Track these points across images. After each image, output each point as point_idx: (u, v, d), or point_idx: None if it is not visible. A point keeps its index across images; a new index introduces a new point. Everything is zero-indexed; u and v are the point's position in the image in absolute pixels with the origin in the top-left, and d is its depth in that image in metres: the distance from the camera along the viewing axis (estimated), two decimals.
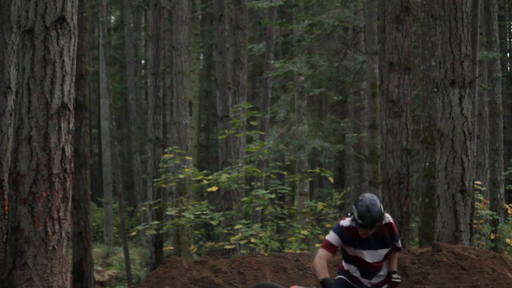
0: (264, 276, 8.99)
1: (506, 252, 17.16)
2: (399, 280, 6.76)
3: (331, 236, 6.63)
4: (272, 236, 16.78)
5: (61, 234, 7.68)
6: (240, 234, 15.02)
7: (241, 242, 15.69)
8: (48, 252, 7.59)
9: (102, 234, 32.46)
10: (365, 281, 6.77)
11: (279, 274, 9.02)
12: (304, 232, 15.44)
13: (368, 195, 6.45)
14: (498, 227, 17.97)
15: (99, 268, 26.16)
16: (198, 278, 8.93)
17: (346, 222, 6.61)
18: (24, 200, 7.55)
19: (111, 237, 31.21)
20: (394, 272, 6.78)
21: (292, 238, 15.78)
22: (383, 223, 6.53)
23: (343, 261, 6.92)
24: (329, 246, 6.63)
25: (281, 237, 19.33)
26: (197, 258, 12.89)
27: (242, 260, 9.32)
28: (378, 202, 6.36)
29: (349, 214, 6.55)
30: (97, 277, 23.76)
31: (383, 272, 6.81)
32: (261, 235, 15.64)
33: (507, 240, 18.29)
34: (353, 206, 6.37)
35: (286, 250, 15.68)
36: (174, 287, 8.78)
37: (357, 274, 6.79)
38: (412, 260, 8.94)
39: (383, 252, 6.68)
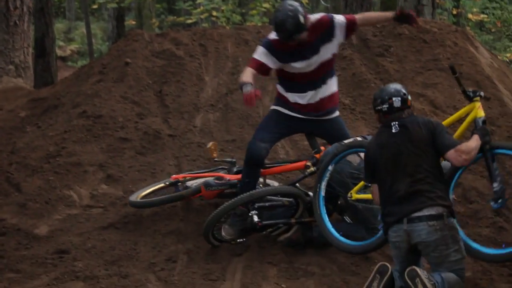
0: (225, 48, 8.94)
1: (468, 27, 17.27)
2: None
3: (257, 51, 5.96)
4: (234, 9, 16.47)
5: (22, 9, 7.42)
6: (201, 8, 14.81)
7: (203, 16, 15.51)
8: (9, 28, 7.39)
9: (64, 9, 31.90)
10: (304, 99, 6.05)
11: (240, 46, 8.98)
12: (266, 5, 15.20)
13: (288, 2, 5.75)
14: (461, 2, 17.89)
15: (61, 43, 25.93)
16: (159, 51, 8.87)
17: (273, 34, 5.91)
18: None
19: (73, 12, 30.68)
20: None
21: (254, 12, 15.55)
22: (311, 24, 5.82)
23: (278, 85, 6.25)
24: (254, 62, 5.94)
25: (243, 11, 19.04)
26: (158, 31, 12.72)
27: (204, 32, 9.23)
28: (297, 11, 5.67)
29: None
30: (59, 52, 23.56)
31: (328, 89, 6.08)
32: (223, 8, 15.42)
33: (469, 16, 18.33)
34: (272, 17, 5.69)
35: (248, 24, 15.53)
36: (135, 60, 8.73)
37: (294, 97, 6.07)
38: (374, 33, 8.90)
39: (317, 58, 5.92)
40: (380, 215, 5.25)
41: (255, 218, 5.93)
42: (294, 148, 7.45)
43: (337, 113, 6.29)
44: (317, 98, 6.07)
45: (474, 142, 5.20)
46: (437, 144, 5.16)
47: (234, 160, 6.69)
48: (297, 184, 6.27)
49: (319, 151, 6.19)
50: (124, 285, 5.57)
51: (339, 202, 6.11)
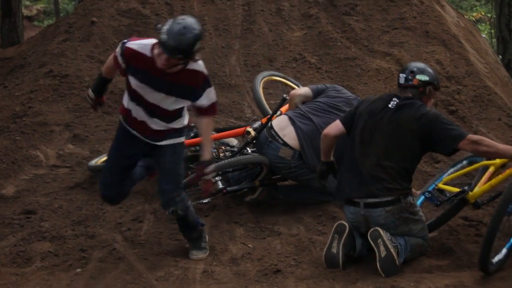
0: (191, 7, 8.87)
1: None
2: (207, 176, 5.15)
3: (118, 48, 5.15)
4: None
5: None
6: None
7: None
8: None
9: None
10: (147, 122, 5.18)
11: (206, 4, 8.91)
12: None
13: (190, 19, 4.89)
14: None
15: (27, 2, 25.50)
16: (125, 10, 8.78)
17: (141, 42, 5.06)
18: None
19: None
20: (205, 162, 5.10)
21: None
22: (193, 67, 5.01)
23: (125, 94, 5.28)
24: (114, 58, 5.17)
25: None
26: None
27: None
28: (198, 31, 4.81)
29: (158, 26, 4.94)
30: (25, 11, 23.19)
31: (173, 123, 5.23)
32: None
33: None
34: (168, 20, 4.96)
35: None
36: (101, 19, 8.64)
37: (140, 115, 5.16)
38: None
39: (175, 101, 5.09)
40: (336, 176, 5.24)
41: (220, 185, 5.93)
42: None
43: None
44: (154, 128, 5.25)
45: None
46: (438, 141, 4.91)
47: (192, 124, 6.58)
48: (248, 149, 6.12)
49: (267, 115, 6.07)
50: (91, 245, 5.58)
51: None
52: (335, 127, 5.21)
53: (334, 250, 4.99)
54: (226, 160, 5.87)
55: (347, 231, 5.00)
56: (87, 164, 6.58)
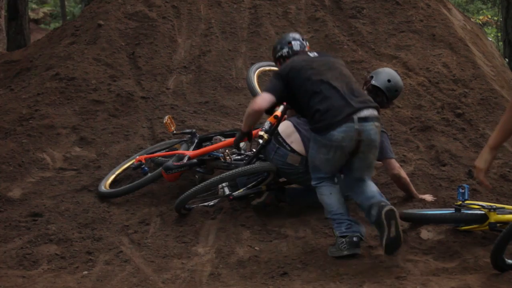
0: (198, 10, 8.88)
1: None
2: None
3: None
4: None
5: None
6: None
7: None
8: None
9: None
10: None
11: (213, 7, 8.92)
12: None
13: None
14: None
15: (34, 5, 25.58)
16: (132, 13, 8.79)
17: None
18: None
19: None
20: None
21: None
22: None
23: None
24: None
25: None
26: None
27: None
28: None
29: None
30: (31, 14, 23.29)
31: None
32: None
33: None
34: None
35: None
36: (108, 22, 8.65)
37: None
38: None
39: None
40: (313, 119, 5.30)
41: (227, 191, 5.93)
42: None
43: None
44: None
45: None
46: None
47: (194, 130, 6.63)
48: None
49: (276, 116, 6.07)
50: (97, 248, 5.59)
51: None
52: (268, 101, 5.39)
53: (393, 234, 5.00)
54: (235, 170, 5.87)
55: (397, 213, 5.07)
56: (98, 190, 6.50)
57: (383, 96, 6.05)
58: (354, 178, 5.35)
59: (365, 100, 5.31)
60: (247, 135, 5.70)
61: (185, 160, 6.24)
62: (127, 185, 6.42)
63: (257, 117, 5.50)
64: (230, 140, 6.31)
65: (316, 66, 5.43)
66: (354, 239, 5.21)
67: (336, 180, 5.42)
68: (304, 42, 5.90)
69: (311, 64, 5.45)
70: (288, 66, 5.53)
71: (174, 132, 6.59)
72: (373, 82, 6.07)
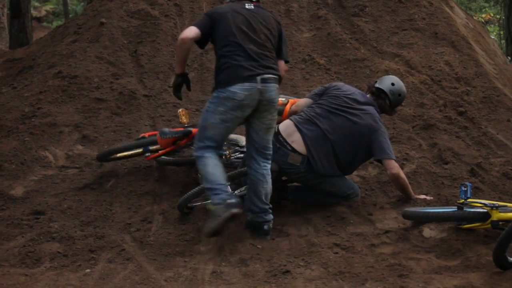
0: (200, 8, 8.88)
1: None
2: None
3: None
4: None
5: None
6: None
7: None
8: None
9: None
10: None
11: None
12: None
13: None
14: None
15: (36, 4, 25.59)
16: (134, 11, 8.79)
17: None
18: None
19: None
20: None
21: None
22: None
23: None
24: None
25: None
26: None
27: None
28: None
29: None
30: (34, 13, 23.28)
31: None
32: None
33: None
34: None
35: None
36: (110, 20, 8.65)
37: None
38: None
39: None
40: (219, 69, 5.48)
41: (230, 190, 5.92)
42: None
43: None
44: None
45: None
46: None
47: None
48: None
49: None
50: (99, 246, 5.59)
51: None
52: (193, 32, 5.50)
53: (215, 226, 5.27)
54: (237, 171, 5.91)
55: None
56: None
57: (386, 99, 6.06)
58: (253, 146, 5.56)
59: (270, 66, 5.49)
60: (182, 78, 5.71)
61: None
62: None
63: (184, 49, 5.55)
64: None
65: (240, 20, 5.52)
66: (231, 200, 5.29)
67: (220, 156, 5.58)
68: None
69: (237, 16, 5.54)
70: (217, 7, 5.89)
71: (186, 124, 6.63)
72: (376, 85, 6.10)
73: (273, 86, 5.47)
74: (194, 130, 6.39)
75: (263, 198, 5.57)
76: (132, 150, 6.62)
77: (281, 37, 5.75)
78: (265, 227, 5.59)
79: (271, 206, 5.62)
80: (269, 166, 5.60)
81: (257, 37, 5.52)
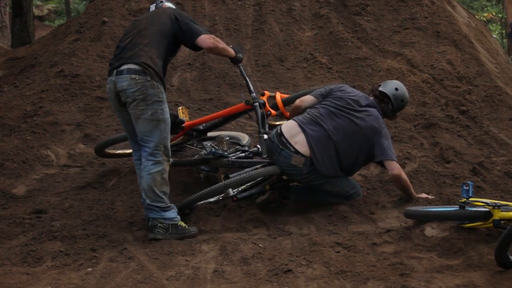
0: (202, 7, 8.88)
1: None
2: None
3: None
4: None
5: None
6: None
7: None
8: None
9: None
10: None
11: (217, 4, 8.92)
12: None
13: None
14: None
15: (38, 2, 25.59)
16: (136, 9, 8.80)
17: None
18: None
19: None
20: None
21: None
22: None
23: None
24: None
25: None
26: None
27: None
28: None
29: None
30: (36, 11, 23.29)
31: None
32: None
33: None
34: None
35: None
36: (112, 19, 8.66)
37: None
38: None
39: None
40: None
41: (231, 192, 5.91)
42: None
43: None
44: None
45: None
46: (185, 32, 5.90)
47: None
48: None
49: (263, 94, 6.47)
50: (101, 245, 5.60)
51: None
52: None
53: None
54: (239, 177, 5.88)
55: None
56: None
57: (389, 103, 6.06)
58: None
59: (133, 56, 5.67)
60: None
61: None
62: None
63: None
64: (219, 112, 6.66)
65: (137, 23, 5.96)
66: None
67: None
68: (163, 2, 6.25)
69: (136, 21, 6.06)
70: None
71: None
72: (380, 88, 6.10)
73: (127, 77, 5.62)
74: (186, 123, 6.43)
75: (144, 192, 5.73)
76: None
77: (178, 20, 5.93)
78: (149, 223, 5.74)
79: (148, 202, 5.71)
80: (148, 159, 5.72)
81: (140, 35, 5.82)
